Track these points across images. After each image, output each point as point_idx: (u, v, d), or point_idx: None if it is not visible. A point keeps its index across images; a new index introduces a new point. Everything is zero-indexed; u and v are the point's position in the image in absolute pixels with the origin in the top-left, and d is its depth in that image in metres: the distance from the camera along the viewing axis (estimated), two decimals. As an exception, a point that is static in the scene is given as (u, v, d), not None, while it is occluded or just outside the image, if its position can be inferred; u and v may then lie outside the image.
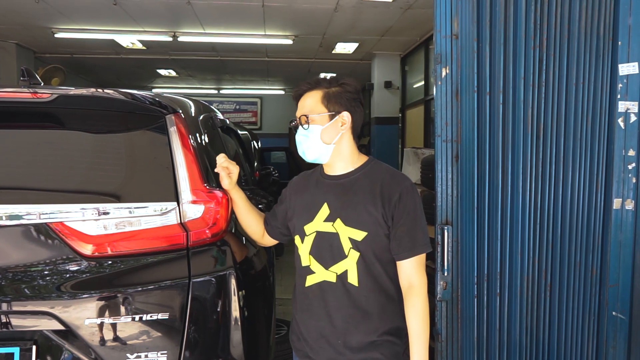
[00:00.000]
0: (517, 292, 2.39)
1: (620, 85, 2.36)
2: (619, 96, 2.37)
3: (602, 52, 2.36)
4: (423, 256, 1.67)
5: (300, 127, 1.68)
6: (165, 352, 1.66)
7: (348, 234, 1.62)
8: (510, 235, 2.37)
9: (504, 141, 2.31)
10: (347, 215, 1.63)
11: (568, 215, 2.41)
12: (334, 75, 1.73)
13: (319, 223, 1.67)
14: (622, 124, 2.38)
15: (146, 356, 1.65)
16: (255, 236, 1.95)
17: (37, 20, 6.46)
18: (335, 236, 1.64)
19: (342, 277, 1.63)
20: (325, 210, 1.67)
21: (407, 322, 1.64)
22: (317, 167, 1.83)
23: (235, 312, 1.78)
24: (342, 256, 1.64)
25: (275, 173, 4.72)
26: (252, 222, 1.92)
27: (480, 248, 2.36)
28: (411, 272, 1.64)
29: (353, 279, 1.63)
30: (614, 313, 2.47)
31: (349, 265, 1.63)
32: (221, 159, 1.83)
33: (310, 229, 1.69)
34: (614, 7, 2.33)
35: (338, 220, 1.64)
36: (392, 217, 1.61)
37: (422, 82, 7.58)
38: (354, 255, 1.62)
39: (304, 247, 1.71)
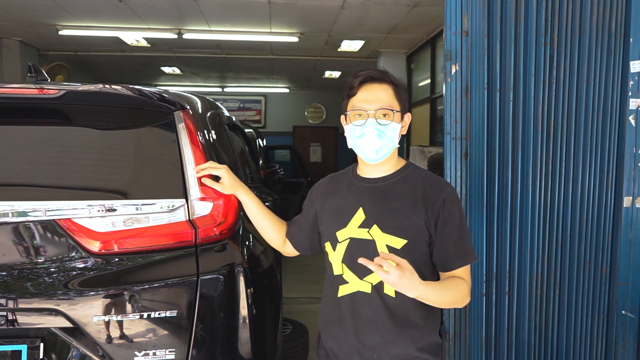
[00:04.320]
0: (526, 290, 2.38)
1: (631, 82, 2.34)
2: (630, 94, 2.35)
3: (614, 49, 2.34)
4: (469, 266, 1.56)
5: (374, 120, 1.51)
6: (173, 349, 1.65)
7: (386, 242, 1.50)
8: (520, 233, 2.36)
9: (514, 139, 2.30)
10: (385, 221, 1.51)
11: (578, 213, 2.39)
12: (383, 69, 1.57)
13: (353, 229, 1.55)
14: (633, 122, 2.36)
15: (154, 354, 1.64)
16: (274, 243, 1.85)
17: (41, 17, 6.44)
18: (371, 243, 1.51)
19: (378, 287, 1.51)
20: (360, 216, 1.55)
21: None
22: (346, 168, 1.71)
23: (244, 310, 1.76)
24: None
25: (280, 171, 4.70)
26: (267, 228, 1.81)
27: (489, 246, 2.35)
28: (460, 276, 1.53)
29: (390, 289, 1.50)
30: (623, 312, 2.45)
31: None
32: (199, 167, 1.75)
33: (344, 235, 1.57)
34: (626, 3, 2.31)
35: (375, 227, 1.52)
36: (435, 224, 1.50)
37: (428, 80, 7.54)
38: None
39: (336, 255, 1.59)
